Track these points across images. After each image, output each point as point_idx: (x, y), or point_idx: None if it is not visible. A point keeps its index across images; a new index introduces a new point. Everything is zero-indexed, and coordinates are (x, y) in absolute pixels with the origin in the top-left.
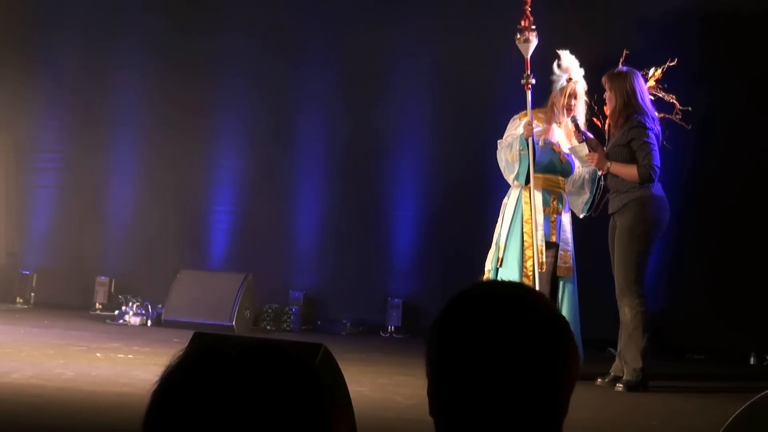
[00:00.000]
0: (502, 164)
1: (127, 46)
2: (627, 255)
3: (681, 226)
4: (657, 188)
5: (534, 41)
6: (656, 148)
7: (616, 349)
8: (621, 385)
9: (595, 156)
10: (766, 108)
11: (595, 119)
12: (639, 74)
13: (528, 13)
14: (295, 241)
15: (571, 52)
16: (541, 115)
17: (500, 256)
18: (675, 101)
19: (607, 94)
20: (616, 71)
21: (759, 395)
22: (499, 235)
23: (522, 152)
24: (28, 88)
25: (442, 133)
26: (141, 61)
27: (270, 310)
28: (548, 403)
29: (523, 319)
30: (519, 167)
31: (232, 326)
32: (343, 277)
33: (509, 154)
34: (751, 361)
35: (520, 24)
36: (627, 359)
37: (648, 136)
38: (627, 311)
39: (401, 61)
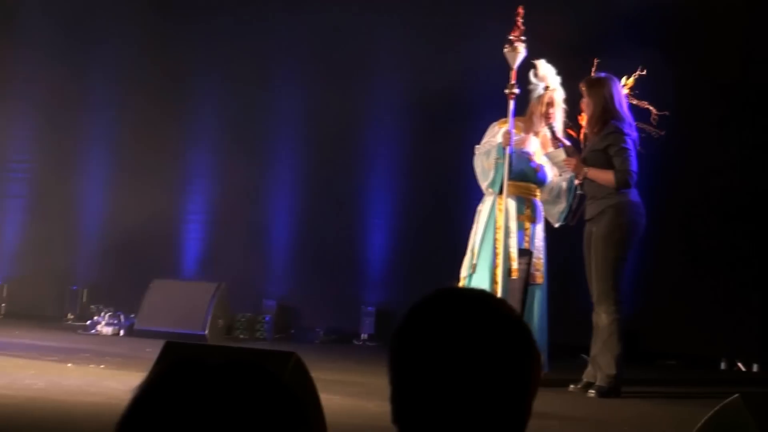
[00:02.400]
0: (477, 170)
1: (98, 56)
2: (604, 261)
3: (652, 232)
4: (634, 194)
5: (522, 52)
6: (634, 154)
7: (588, 355)
8: (593, 391)
9: (573, 161)
10: (735, 115)
11: (569, 130)
12: (617, 80)
13: (519, 24)
14: (268, 249)
15: (548, 61)
16: (520, 124)
17: (474, 263)
18: (650, 107)
19: (584, 101)
20: (594, 77)
21: (726, 401)
22: (474, 242)
23: (498, 161)
24: None
25: (416, 141)
26: (112, 72)
27: (243, 319)
28: (511, 407)
29: (484, 322)
30: (494, 175)
31: (205, 335)
32: (316, 285)
33: (486, 161)
34: (722, 366)
35: (510, 34)
36: (601, 365)
37: (625, 142)
38: (604, 317)
39: (377, 69)
